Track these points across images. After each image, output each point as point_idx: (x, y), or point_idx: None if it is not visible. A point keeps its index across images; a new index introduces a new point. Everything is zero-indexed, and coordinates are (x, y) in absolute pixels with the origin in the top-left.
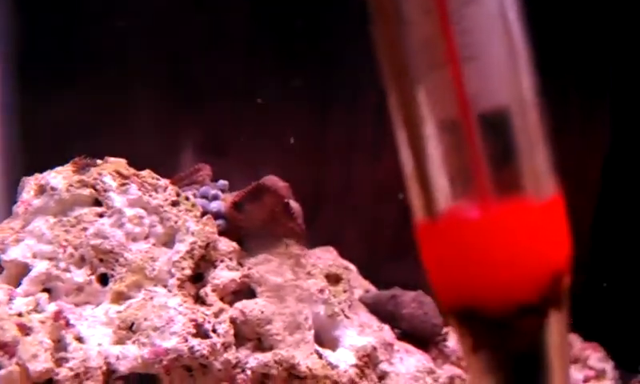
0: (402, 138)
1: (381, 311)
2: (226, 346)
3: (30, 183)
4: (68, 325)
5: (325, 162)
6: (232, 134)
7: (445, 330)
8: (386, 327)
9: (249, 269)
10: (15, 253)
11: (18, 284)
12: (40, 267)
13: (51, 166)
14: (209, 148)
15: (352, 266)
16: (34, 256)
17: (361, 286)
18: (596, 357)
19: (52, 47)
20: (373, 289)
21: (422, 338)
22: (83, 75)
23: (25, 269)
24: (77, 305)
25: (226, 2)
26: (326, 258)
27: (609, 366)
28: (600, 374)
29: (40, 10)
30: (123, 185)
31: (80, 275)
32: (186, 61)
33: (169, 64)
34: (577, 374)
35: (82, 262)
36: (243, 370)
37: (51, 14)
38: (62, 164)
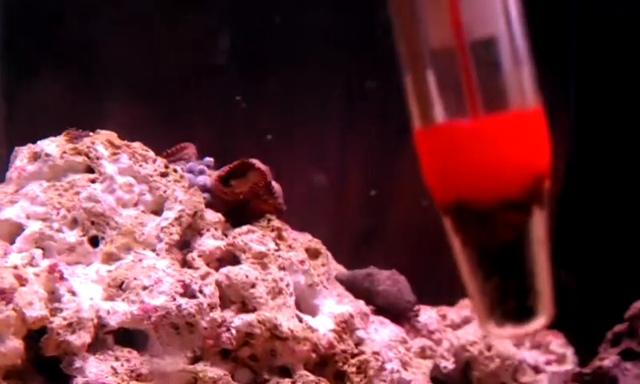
0: (404, 61)
1: (356, 288)
2: (211, 307)
3: (23, 152)
4: (62, 278)
5: None
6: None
7: (416, 307)
8: (361, 302)
9: (233, 238)
10: (9, 213)
11: (11, 242)
12: (33, 227)
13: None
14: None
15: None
16: (28, 217)
17: (335, 269)
18: (557, 343)
19: (39, 32)
20: (346, 272)
21: (396, 314)
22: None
23: (19, 228)
24: (69, 264)
25: None
26: (304, 236)
27: (569, 351)
28: (561, 359)
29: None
30: (115, 154)
31: (72, 236)
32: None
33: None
34: (539, 357)
35: (74, 223)
36: (228, 329)
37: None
38: None
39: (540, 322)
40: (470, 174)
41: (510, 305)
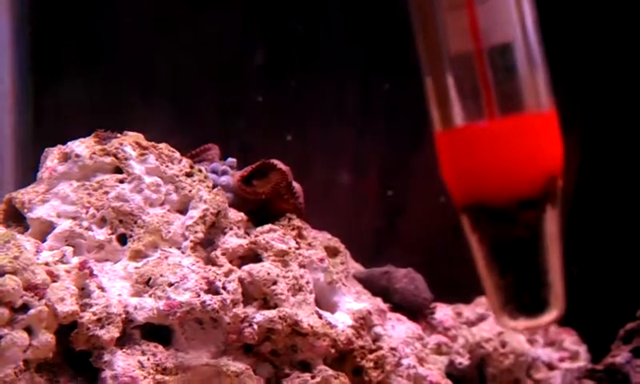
0: (425, 65)
1: (374, 286)
2: (234, 303)
3: (54, 152)
4: (92, 275)
5: None
6: None
7: (433, 304)
8: (379, 299)
9: (255, 236)
10: (41, 212)
11: (43, 240)
12: (64, 225)
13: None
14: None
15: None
16: (59, 215)
17: (353, 267)
18: (570, 340)
19: (64, 33)
20: (364, 270)
21: (412, 311)
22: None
23: (49, 227)
24: (98, 261)
25: None
26: (323, 235)
27: (582, 349)
28: (574, 356)
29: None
30: (142, 155)
31: (101, 234)
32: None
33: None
34: (553, 354)
35: (103, 222)
36: (250, 325)
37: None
38: None
39: (552, 315)
40: (486, 174)
41: (523, 299)
